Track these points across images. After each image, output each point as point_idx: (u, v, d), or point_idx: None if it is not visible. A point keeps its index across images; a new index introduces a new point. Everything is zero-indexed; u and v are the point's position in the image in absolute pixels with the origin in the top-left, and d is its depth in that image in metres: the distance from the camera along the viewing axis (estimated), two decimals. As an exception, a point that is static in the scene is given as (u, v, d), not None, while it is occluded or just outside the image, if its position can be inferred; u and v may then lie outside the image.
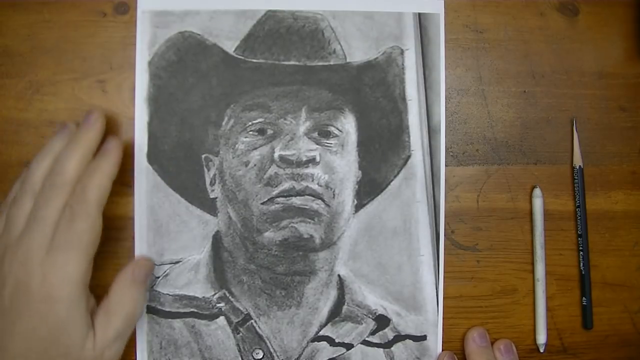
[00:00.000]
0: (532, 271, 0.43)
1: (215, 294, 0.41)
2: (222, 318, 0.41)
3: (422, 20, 0.42)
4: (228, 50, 0.41)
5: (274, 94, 0.41)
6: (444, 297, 0.42)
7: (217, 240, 0.41)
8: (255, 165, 0.41)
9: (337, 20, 0.42)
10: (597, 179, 0.44)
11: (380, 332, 0.42)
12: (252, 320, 0.41)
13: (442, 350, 0.42)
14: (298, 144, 0.41)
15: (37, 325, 0.33)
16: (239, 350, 0.41)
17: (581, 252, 0.43)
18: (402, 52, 0.42)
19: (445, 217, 0.42)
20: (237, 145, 0.41)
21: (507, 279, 0.43)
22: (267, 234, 0.41)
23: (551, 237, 0.43)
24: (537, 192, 0.43)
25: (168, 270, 0.41)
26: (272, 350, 0.41)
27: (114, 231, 0.40)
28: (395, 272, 0.42)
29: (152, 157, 0.40)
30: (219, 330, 0.41)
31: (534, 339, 0.43)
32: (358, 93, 0.42)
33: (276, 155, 0.41)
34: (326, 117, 0.41)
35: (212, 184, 0.41)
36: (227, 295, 0.41)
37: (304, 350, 0.41)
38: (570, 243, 0.44)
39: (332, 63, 0.41)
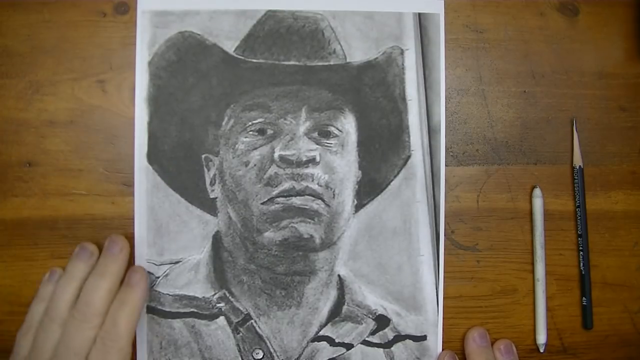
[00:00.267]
0: (532, 271, 0.43)
1: (215, 294, 0.41)
2: (222, 318, 0.41)
3: (422, 20, 0.42)
4: (228, 50, 0.41)
5: (274, 94, 0.41)
6: (444, 297, 0.42)
7: (217, 240, 0.41)
8: (255, 165, 0.41)
9: (337, 20, 0.42)
10: (597, 179, 0.44)
11: (380, 332, 0.42)
12: (252, 320, 0.41)
13: (442, 350, 0.42)
14: (298, 144, 0.41)
15: None
16: (239, 350, 0.41)
17: (581, 252, 0.43)
18: (402, 52, 0.42)
19: (445, 217, 0.42)
20: (237, 145, 0.41)
21: (507, 279, 0.43)
22: (267, 234, 0.41)
23: (551, 237, 0.43)
24: (537, 192, 0.43)
25: (168, 270, 0.41)
26: (272, 350, 0.41)
27: (114, 231, 0.40)
28: (395, 272, 0.42)
29: (152, 157, 0.40)
30: (219, 330, 0.41)
31: (534, 339, 0.43)
32: (358, 93, 0.42)
33: (276, 155, 0.40)
34: (326, 117, 0.41)
35: (212, 184, 0.41)
36: (227, 295, 0.41)
37: (304, 350, 0.41)
38: (570, 243, 0.44)
39: (332, 63, 0.41)
